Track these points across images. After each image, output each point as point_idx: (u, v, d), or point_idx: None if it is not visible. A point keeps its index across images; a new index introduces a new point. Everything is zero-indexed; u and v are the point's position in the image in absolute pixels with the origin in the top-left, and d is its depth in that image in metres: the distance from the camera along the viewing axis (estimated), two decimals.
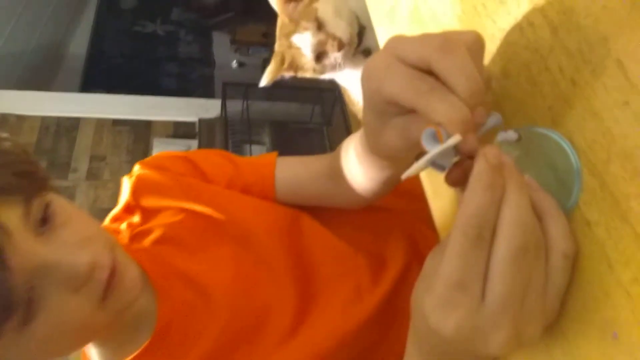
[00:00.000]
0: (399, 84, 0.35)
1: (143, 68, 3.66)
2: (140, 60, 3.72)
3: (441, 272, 0.32)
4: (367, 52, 0.89)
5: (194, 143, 2.67)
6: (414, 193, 0.81)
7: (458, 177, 0.36)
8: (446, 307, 0.32)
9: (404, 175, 0.34)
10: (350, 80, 0.98)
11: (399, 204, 0.80)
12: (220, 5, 3.84)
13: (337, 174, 0.67)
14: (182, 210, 0.68)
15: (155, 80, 3.62)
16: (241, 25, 3.70)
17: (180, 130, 2.79)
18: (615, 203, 0.31)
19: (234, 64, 3.64)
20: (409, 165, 0.34)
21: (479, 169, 0.32)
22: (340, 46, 0.84)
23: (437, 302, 0.32)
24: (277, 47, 0.91)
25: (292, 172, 0.75)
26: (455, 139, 0.33)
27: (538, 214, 0.33)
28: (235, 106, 2.74)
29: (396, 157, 0.49)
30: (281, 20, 0.88)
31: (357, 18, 0.88)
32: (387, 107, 0.39)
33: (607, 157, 0.32)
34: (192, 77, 3.65)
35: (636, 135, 0.30)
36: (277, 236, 0.69)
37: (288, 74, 0.92)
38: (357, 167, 0.61)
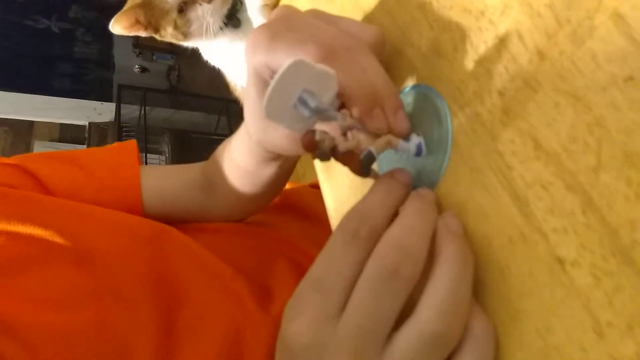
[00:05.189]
0: (292, 52, 0.30)
1: (33, 66, 3.36)
2: (30, 57, 3.42)
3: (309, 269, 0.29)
4: (237, 23, 0.78)
5: (81, 148, 2.45)
6: (301, 208, 0.72)
7: (311, 141, 0.30)
8: (296, 306, 0.28)
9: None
10: (221, 55, 0.86)
11: (286, 223, 0.71)
12: (124, 5, 3.61)
13: (212, 182, 0.60)
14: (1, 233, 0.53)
15: (47, 79, 3.33)
16: None
17: (67, 134, 2.54)
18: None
19: (136, 68, 3.45)
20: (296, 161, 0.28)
21: (383, 176, 0.30)
22: None
23: (291, 300, 0.29)
24: None
25: (163, 180, 0.63)
26: (328, 69, 0.26)
27: (432, 257, 0.27)
28: (133, 112, 2.54)
29: (284, 149, 0.39)
30: None
31: None
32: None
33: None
34: (87, 79, 3.40)
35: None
36: (133, 259, 0.56)
37: (145, 33, 0.79)
38: (236, 165, 0.54)
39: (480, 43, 0.29)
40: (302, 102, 0.27)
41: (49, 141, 2.47)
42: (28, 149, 2.45)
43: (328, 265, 0.28)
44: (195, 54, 0.94)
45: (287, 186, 0.86)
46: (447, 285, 0.25)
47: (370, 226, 0.28)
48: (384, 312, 0.26)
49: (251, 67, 0.34)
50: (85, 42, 3.56)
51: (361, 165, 0.29)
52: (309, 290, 0.28)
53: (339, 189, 0.43)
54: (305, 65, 0.26)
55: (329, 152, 0.30)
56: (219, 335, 0.54)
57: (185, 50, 0.93)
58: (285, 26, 0.32)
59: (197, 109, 2.93)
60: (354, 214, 0.28)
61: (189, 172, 0.64)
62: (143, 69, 3.49)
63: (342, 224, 0.28)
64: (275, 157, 0.49)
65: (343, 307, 0.27)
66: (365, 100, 0.30)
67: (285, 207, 0.71)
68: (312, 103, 0.27)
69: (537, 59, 0.25)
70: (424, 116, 0.32)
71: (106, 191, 0.61)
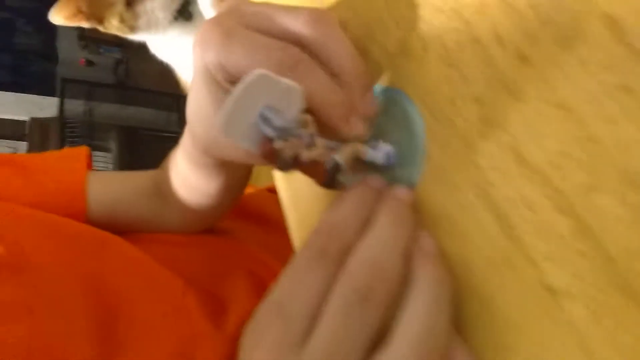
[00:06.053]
0: (253, 56, 0.27)
1: None
2: None
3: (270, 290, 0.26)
4: (188, 16, 0.74)
5: (22, 145, 2.31)
6: (259, 214, 0.70)
7: (271, 151, 0.26)
8: (255, 333, 0.25)
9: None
10: (170, 50, 0.82)
11: (244, 231, 0.67)
12: None
13: (163, 190, 0.56)
14: None
15: None
16: None
17: (6, 130, 2.40)
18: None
19: (82, 62, 3.31)
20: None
21: (354, 185, 0.27)
22: None
23: (250, 326, 0.26)
24: None
25: (110, 186, 0.59)
26: (294, 85, 0.24)
27: (406, 279, 0.25)
28: (78, 107, 2.41)
29: (238, 158, 0.36)
30: None
31: None
32: (230, 87, 0.29)
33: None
34: (28, 72, 3.24)
35: None
36: (72, 269, 0.51)
37: (87, 25, 0.74)
38: (183, 179, 0.50)
39: (452, 44, 0.26)
40: (265, 119, 0.24)
41: None
42: None
43: (291, 287, 0.25)
44: (144, 47, 0.89)
45: (246, 191, 0.83)
46: (422, 314, 0.23)
47: (339, 243, 0.25)
48: (354, 340, 0.23)
49: (201, 65, 0.30)
50: (26, 33, 3.40)
51: (327, 176, 0.27)
52: (269, 315, 0.25)
53: (299, 199, 0.40)
54: (270, 79, 0.23)
55: (291, 162, 0.27)
56: (164, 354, 0.50)
57: (133, 43, 0.88)
58: (240, 22, 0.29)
59: (146, 104, 2.83)
60: (321, 229, 0.25)
61: (138, 179, 0.60)
62: (89, 62, 3.36)
63: (309, 241, 0.25)
64: (223, 164, 0.45)
65: (308, 333, 0.24)
66: (340, 110, 0.27)
67: (242, 214, 0.67)
68: (277, 121, 0.24)
69: (519, 63, 0.22)
70: (393, 123, 0.29)
71: (47, 196, 0.57)
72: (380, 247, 0.24)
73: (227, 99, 0.23)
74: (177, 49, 0.84)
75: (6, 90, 2.63)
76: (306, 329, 0.24)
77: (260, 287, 0.59)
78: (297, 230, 0.40)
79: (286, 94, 0.24)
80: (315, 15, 0.28)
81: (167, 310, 0.53)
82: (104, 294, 0.51)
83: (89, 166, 0.61)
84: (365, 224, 0.26)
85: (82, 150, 0.61)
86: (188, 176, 0.50)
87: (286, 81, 0.24)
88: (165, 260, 0.57)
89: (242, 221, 0.67)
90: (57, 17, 0.72)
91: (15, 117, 2.43)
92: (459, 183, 0.25)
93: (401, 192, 0.27)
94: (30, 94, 2.70)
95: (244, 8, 0.30)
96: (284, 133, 0.25)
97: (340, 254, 0.25)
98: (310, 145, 0.26)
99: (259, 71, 0.23)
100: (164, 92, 2.68)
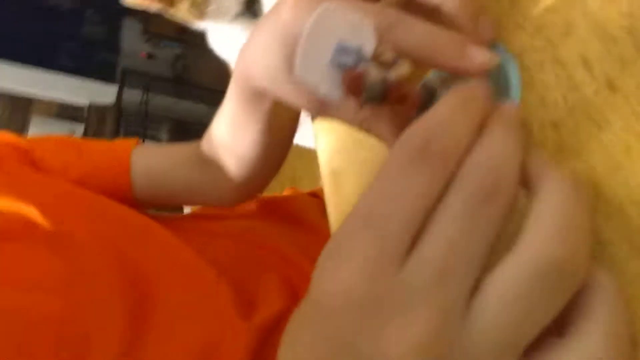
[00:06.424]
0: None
1: (38, 40, 3.32)
2: (35, 32, 3.38)
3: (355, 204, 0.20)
4: (254, 13, 0.75)
5: (79, 128, 2.40)
6: (298, 218, 0.70)
7: (356, 78, 0.23)
8: (337, 253, 0.20)
9: None
10: (230, 45, 0.83)
11: (283, 234, 0.67)
12: None
13: (207, 156, 0.56)
14: None
15: (52, 55, 3.29)
16: (157, 15, 3.48)
17: (66, 112, 2.50)
18: None
19: (142, 54, 3.42)
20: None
21: (455, 90, 0.21)
22: None
23: (328, 248, 0.20)
24: None
25: (153, 158, 0.62)
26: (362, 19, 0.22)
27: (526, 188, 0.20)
28: (135, 96, 2.49)
29: (299, 103, 0.34)
30: None
31: None
32: None
33: None
34: (92, 60, 3.37)
35: None
36: (111, 252, 0.53)
37: (156, 6, 0.75)
38: (233, 118, 0.49)
39: (533, 64, 0.25)
40: (341, 52, 0.23)
41: (47, 117, 2.43)
42: (25, 121, 2.41)
43: (384, 194, 0.20)
44: (203, 44, 0.90)
45: (285, 193, 0.83)
46: (559, 203, 0.18)
47: (444, 143, 0.20)
48: (477, 248, 0.19)
49: (294, 20, 0.29)
50: (93, 23, 3.53)
51: (421, 103, 0.24)
52: (358, 229, 0.20)
53: (348, 206, 0.40)
54: (337, 13, 0.22)
55: (379, 89, 0.24)
56: (190, 342, 0.51)
57: (194, 39, 0.89)
58: None
59: (201, 100, 2.89)
60: (419, 127, 0.20)
61: (182, 149, 0.61)
62: (150, 55, 3.46)
63: (402, 141, 0.20)
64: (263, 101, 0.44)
65: (409, 248, 0.19)
66: (450, 51, 0.24)
67: (281, 216, 0.67)
68: (356, 49, 0.23)
69: (607, 92, 0.21)
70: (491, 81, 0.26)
71: (96, 169, 0.59)
72: (500, 152, 0.20)
73: (299, 42, 0.22)
74: (238, 45, 0.85)
75: (70, 75, 2.73)
76: (407, 243, 0.19)
77: (292, 291, 0.59)
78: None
79: (358, 30, 0.23)
80: None
81: (198, 298, 0.53)
82: (139, 277, 0.52)
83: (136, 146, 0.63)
84: (471, 132, 0.20)
85: (133, 139, 0.64)
86: (236, 113, 0.49)
87: (355, 15, 0.22)
88: (202, 250, 0.58)
89: (281, 223, 0.67)
90: None
91: (76, 101, 2.51)
92: None
93: (510, 106, 0.22)
94: (92, 80, 2.80)
95: None
96: (366, 60, 0.23)
97: (445, 155, 0.20)
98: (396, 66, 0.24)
99: (325, 4, 0.22)
100: (219, 89, 2.74)
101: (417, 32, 0.25)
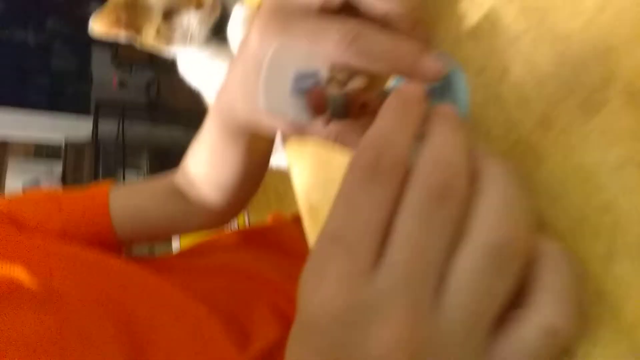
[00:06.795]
0: (315, 40, 0.27)
1: (7, 79, 3.29)
2: (6, 70, 3.35)
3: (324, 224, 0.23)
4: (223, 38, 0.76)
5: (57, 166, 2.38)
6: (284, 246, 0.71)
7: (319, 96, 0.26)
8: (315, 272, 0.22)
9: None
10: (200, 72, 0.84)
11: (269, 262, 0.69)
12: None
13: (182, 187, 0.58)
14: None
15: (22, 93, 3.26)
16: (125, 42, 3.47)
17: (43, 151, 2.48)
18: None
19: (114, 82, 3.40)
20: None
21: (394, 94, 0.24)
22: (199, 4, 0.71)
23: (307, 268, 0.22)
24: None
25: (131, 198, 0.63)
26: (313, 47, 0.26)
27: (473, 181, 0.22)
28: (111, 127, 2.49)
29: (274, 127, 0.36)
30: None
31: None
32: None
33: None
34: (65, 93, 3.34)
35: None
36: (101, 303, 0.54)
37: (125, 35, 0.76)
38: (213, 147, 0.51)
39: (479, 101, 0.27)
40: (301, 78, 0.26)
41: (24, 157, 2.41)
42: (3, 166, 2.39)
43: (347, 213, 0.22)
44: (174, 67, 0.92)
45: (269, 219, 0.84)
46: (501, 191, 0.21)
47: (392, 155, 0.22)
48: (437, 244, 0.21)
49: (258, 53, 0.31)
50: (62, 55, 3.51)
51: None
52: (328, 248, 0.22)
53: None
54: (289, 46, 0.25)
55: (342, 102, 0.26)
56: None
57: (164, 63, 0.91)
58: (291, 8, 0.29)
59: (177, 123, 2.89)
60: (366, 145, 0.22)
61: (156, 183, 0.63)
62: (121, 83, 3.45)
63: (354, 161, 0.22)
64: (244, 132, 0.46)
65: (378, 255, 0.21)
66: (410, 57, 0.27)
67: (265, 245, 0.69)
68: (313, 74, 0.25)
69: (542, 129, 0.23)
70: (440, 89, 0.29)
71: (76, 217, 0.60)
72: (447, 147, 0.22)
73: (260, 77, 0.25)
74: (207, 72, 0.86)
75: (42, 111, 2.71)
76: (375, 252, 0.21)
77: (283, 318, 0.60)
78: None
79: (312, 57, 0.26)
80: None
81: (192, 337, 0.54)
82: (132, 325, 0.53)
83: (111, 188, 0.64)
84: (414, 135, 0.23)
85: (108, 181, 0.65)
86: (216, 145, 0.50)
87: (305, 45, 0.25)
88: (191, 287, 0.59)
89: (266, 252, 0.68)
90: (97, 25, 0.75)
91: (52, 138, 2.50)
92: None
93: (447, 107, 0.24)
94: (65, 114, 2.78)
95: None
96: (324, 81, 0.25)
97: (395, 167, 0.22)
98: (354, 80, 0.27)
99: (276, 48, 0.25)
100: (193, 110, 2.74)
101: (379, 42, 0.27)
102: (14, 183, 2.25)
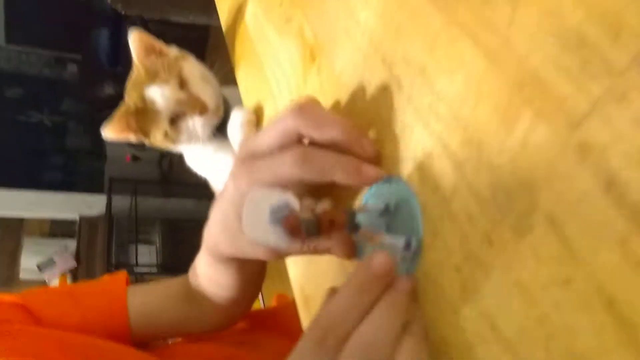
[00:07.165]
0: (276, 173, 0.35)
1: (25, 160, 3.40)
2: (22, 151, 3.46)
3: None
4: (225, 135, 0.81)
5: (71, 243, 2.43)
6: (289, 328, 0.73)
7: (295, 221, 0.31)
8: None
9: None
10: (205, 164, 0.89)
11: (274, 345, 0.71)
12: (115, 97, 3.69)
13: (193, 292, 0.60)
14: None
15: (38, 173, 3.36)
16: None
17: (57, 229, 2.54)
18: None
19: (127, 158, 3.49)
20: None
21: (359, 268, 0.29)
22: (203, 110, 0.76)
23: None
24: (126, 99, 0.80)
25: (148, 298, 0.64)
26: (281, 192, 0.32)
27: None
28: (124, 202, 2.55)
29: (257, 255, 0.42)
30: (136, 71, 0.78)
31: (225, 100, 0.81)
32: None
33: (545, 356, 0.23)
34: (79, 171, 3.44)
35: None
36: None
37: (135, 139, 0.81)
38: (209, 276, 0.55)
39: (435, 217, 0.30)
40: (276, 211, 0.31)
41: (39, 236, 2.46)
42: (18, 244, 2.44)
43: None
44: None
45: (274, 300, 0.86)
46: None
47: (337, 334, 0.28)
48: None
49: (235, 194, 0.38)
50: (76, 134, 3.63)
51: (348, 221, 0.31)
52: None
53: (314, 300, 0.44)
54: (262, 193, 0.31)
55: (314, 222, 0.31)
56: None
57: None
58: (255, 154, 0.37)
59: (188, 195, 2.96)
60: (321, 320, 0.28)
61: (171, 286, 0.64)
62: (135, 158, 3.53)
63: (308, 331, 0.28)
64: (242, 262, 0.51)
65: None
66: (350, 167, 0.34)
67: (270, 328, 0.71)
68: (285, 205, 0.31)
69: (486, 245, 0.26)
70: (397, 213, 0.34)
71: (93, 315, 0.61)
72: (376, 332, 0.27)
73: (242, 218, 0.31)
74: (212, 164, 0.91)
75: (57, 190, 2.78)
76: None
77: None
78: None
79: (282, 194, 0.31)
80: (296, 108, 0.35)
81: None
82: None
83: (127, 283, 0.66)
84: (365, 311, 0.28)
85: (122, 275, 0.67)
86: (212, 275, 0.55)
87: (273, 190, 0.32)
88: None
89: (271, 335, 0.70)
90: (109, 132, 0.80)
91: (66, 216, 2.56)
92: (447, 339, 0.28)
93: (402, 283, 0.29)
94: (79, 192, 2.85)
95: (251, 143, 0.38)
96: (296, 209, 0.31)
97: (337, 345, 0.27)
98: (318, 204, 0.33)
99: (251, 194, 0.31)
100: (204, 183, 2.79)
101: (324, 157, 0.34)
102: (29, 262, 2.30)
